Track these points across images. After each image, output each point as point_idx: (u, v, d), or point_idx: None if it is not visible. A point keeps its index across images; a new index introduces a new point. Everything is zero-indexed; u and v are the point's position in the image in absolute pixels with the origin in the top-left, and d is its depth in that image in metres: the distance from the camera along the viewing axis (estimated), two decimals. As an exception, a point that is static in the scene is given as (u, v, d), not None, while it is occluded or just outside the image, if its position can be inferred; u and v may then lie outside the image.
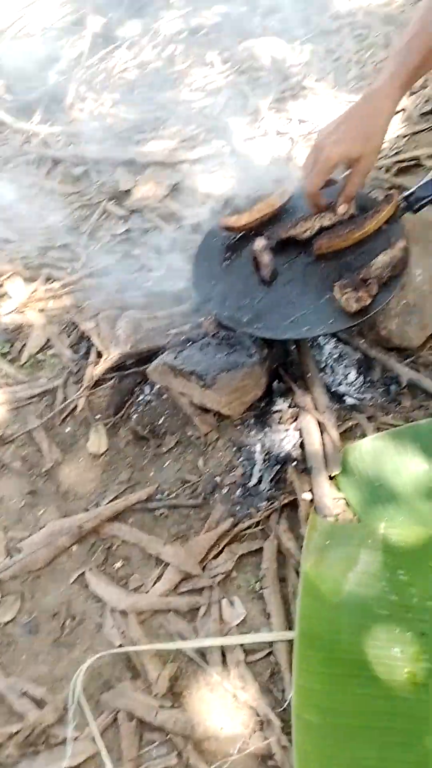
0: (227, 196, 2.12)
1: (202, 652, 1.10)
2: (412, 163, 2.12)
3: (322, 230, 1.50)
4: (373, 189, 1.97)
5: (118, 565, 1.24)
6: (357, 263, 1.47)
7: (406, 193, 1.50)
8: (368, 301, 1.36)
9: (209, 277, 1.56)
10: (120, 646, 1.12)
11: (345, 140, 1.34)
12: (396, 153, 2.17)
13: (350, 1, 2.97)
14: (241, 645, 1.09)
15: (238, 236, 1.63)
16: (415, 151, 2.18)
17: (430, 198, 1.49)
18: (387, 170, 2.08)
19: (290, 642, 1.09)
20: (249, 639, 1.09)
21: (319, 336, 1.48)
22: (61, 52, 2.99)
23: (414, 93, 2.42)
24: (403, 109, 2.32)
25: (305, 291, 1.47)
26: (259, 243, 1.57)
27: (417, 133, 2.26)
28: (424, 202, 1.49)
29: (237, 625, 1.12)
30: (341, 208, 1.44)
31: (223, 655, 1.09)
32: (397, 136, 2.26)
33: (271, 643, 1.09)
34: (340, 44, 2.79)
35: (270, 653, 1.09)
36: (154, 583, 1.20)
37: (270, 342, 1.42)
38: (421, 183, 1.60)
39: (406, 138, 2.25)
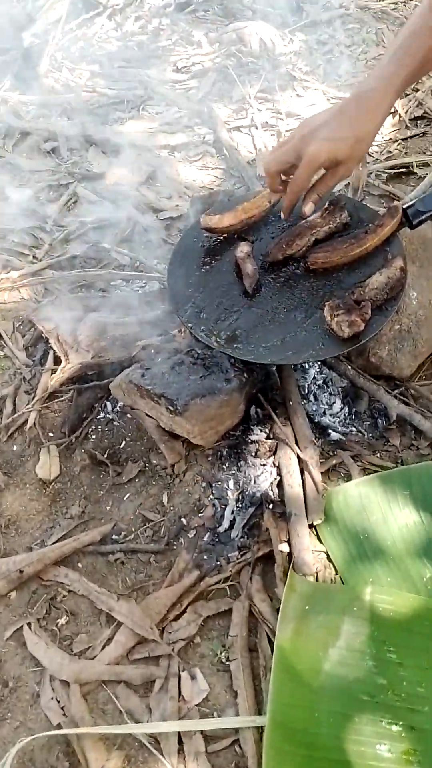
0: (209, 189, 1.85)
1: (155, 737, 0.89)
2: (403, 170, 1.90)
3: (317, 242, 1.26)
4: (364, 197, 1.74)
5: (63, 621, 1.00)
6: (350, 281, 1.25)
7: (405, 206, 1.28)
8: (361, 327, 1.13)
9: (185, 284, 1.30)
10: (59, 726, 0.89)
11: (335, 139, 1.10)
12: (387, 158, 1.94)
13: (344, -8, 2.69)
14: (202, 731, 0.88)
15: (220, 238, 1.38)
16: (406, 158, 1.94)
17: (430, 213, 1.27)
18: (377, 176, 1.86)
19: (260, 729, 0.88)
20: (211, 724, 0.88)
21: (305, 362, 1.26)
22: (38, 13, 2.61)
23: (406, 96, 2.19)
24: (395, 112, 2.09)
25: (292, 308, 1.23)
26: (243, 249, 1.32)
27: (408, 138, 2.03)
28: (423, 218, 1.27)
29: (198, 704, 0.91)
30: (308, 208, 1.19)
31: (181, 742, 0.88)
32: (388, 140, 2.03)
33: (237, 730, 0.88)
34: (332, 36, 2.52)
35: (235, 742, 0.87)
36: (104, 646, 0.96)
37: (251, 365, 1.19)
38: (423, 196, 1.37)
39: (397, 143, 2.02)
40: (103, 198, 1.80)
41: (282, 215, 1.24)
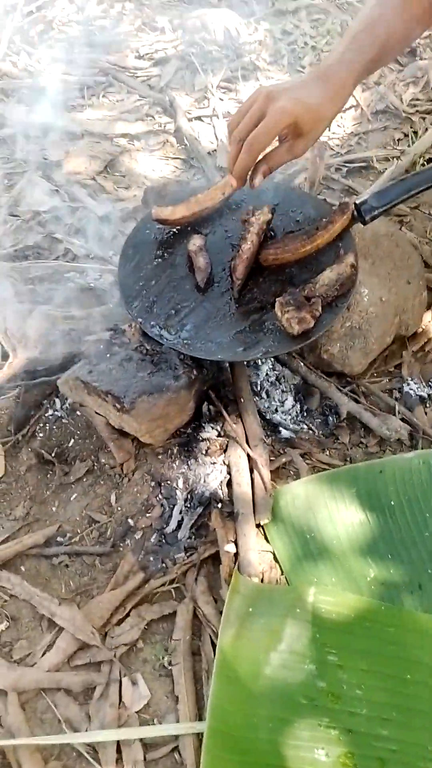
0: (166, 180, 1.78)
1: (93, 746, 0.84)
2: (363, 164, 1.85)
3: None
4: (321, 191, 1.69)
5: (2, 626, 0.94)
6: (302, 277, 1.20)
7: (358, 201, 1.23)
8: (311, 324, 1.09)
9: (137, 277, 1.24)
10: (-6, 737, 0.85)
11: (303, 103, 1.03)
12: (347, 152, 1.89)
13: (310, -18, 2.61)
14: (141, 739, 0.84)
15: (173, 230, 1.32)
16: (366, 152, 1.90)
17: (384, 208, 1.23)
18: (337, 170, 1.81)
19: (200, 736, 0.85)
20: (150, 732, 0.84)
21: (255, 360, 1.21)
22: (-4, -6, 2.46)
23: (368, 89, 2.13)
24: (357, 105, 2.03)
25: (243, 303, 1.19)
26: (196, 242, 1.26)
27: (369, 132, 1.98)
28: (376, 213, 1.22)
29: (138, 711, 0.87)
30: (257, 180, 1.11)
31: (119, 750, 0.84)
32: (349, 134, 1.98)
33: (177, 737, 0.85)
34: (297, 26, 2.44)
35: (175, 749, 0.84)
36: (44, 652, 0.91)
37: (201, 361, 1.14)
38: (376, 190, 1.33)
39: (358, 137, 1.97)
40: (58, 187, 1.72)
41: (232, 182, 1.15)
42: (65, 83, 2.12)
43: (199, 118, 1.99)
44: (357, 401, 1.20)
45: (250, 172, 1.12)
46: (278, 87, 1.07)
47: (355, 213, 1.21)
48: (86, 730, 0.84)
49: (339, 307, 1.12)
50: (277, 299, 1.11)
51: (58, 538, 1.03)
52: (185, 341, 1.12)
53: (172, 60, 2.21)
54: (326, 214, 1.25)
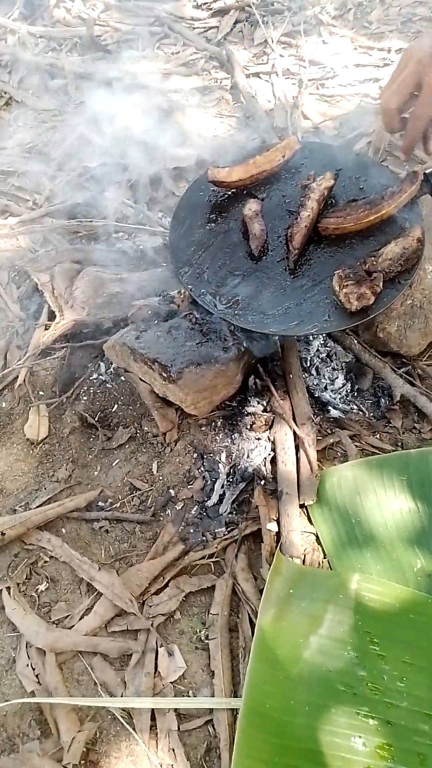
0: (222, 139, 1.69)
1: (128, 712, 0.84)
2: None
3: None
4: (385, 158, 1.58)
5: (42, 587, 0.94)
6: (362, 250, 1.12)
7: (427, 171, 1.14)
8: (371, 300, 1.02)
9: (188, 241, 1.18)
10: (32, 693, 0.85)
11: None
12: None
13: None
14: (176, 709, 0.84)
15: (227, 193, 1.25)
16: (433, 116, 1.77)
17: (456, 179, 1.13)
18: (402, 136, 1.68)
19: (234, 712, 0.84)
20: (186, 703, 0.83)
21: (308, 335, 1.15)
22: None
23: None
24: None
25: (299, 275, 1.13)
26: (252, 206, 1.19)
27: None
28: (449, 184, 1.13)
29: (173, 681, 0.87)
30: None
31: (153, 718, 0.84)
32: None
33: (211, 710, 0.84)
34: (366, -23, 2.27)
35: (209, 722, 0.83)
36: (82, 616, 0.91)
37: (251, 333, 1.09)
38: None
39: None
40: (109, 142, 1.65)
41: (401, 155, 1.11)
42: (119, 32, 2.03)
43: (257, 74, 1.88)
44: (412, 384, 1.14)
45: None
46: (426, 48, 0.96)
47: (424, 183, 1.12)
48: (121, 695, 0.84)
49: (402, 284, 1.05)
50: (335, 272, 1.05)
51: (99, 503, 1.02)
52: (236, 312, 1.07)
53: (232, 11, 2.09)
54: (392, 182, 1.17)
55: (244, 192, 1.23)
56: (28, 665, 0.87)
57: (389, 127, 1.05)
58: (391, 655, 0.85)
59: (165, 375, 1.02)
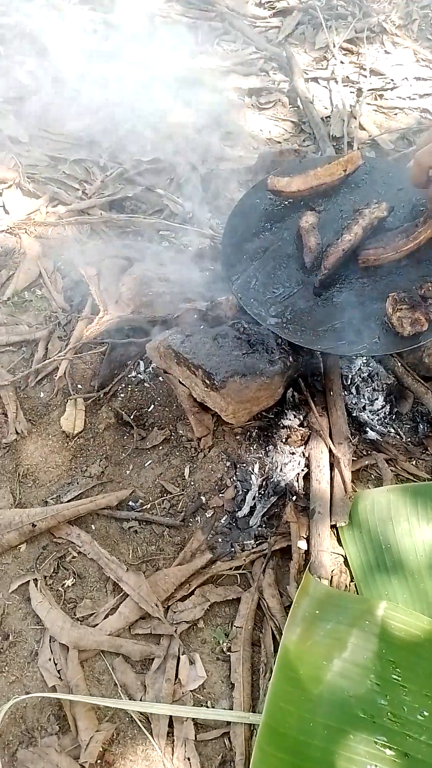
0: (276, 142, 1.68)
1: (147, 716, 0.85)
2: None
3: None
4: None
5: (69, 582, 0.95)
6: (418, 273, 1.12)
7: None
8: (425, 327, 1.02)
9: (241, 249, 1.18)
10: (53, 688, 0.86)
11: None
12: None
13: None
14: (194, 718, 0.84)
15: (284, 203, 1.24)
16: None
17: None
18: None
19: (252, 727, 0.84)
20: (205, 713, 0.84)
21: (357, 356, 1.14)
22: None
23: None
24: None
25: (351, 292, 1.12)
26: (309, 219, 1.18)
27: None
28: None
29: (193, 690, 0.87)
30: None
31: (171, 725, 0.84)
32: None
33: (228, 723, 0.84)
34: (433, -12, 2.23)
35: (225, 735, 0.83)
36: (107, 615, 0.91)
37: (297, 348, 1.08)
38: None
39: None
40: (162, 137, 1.64)
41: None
42: (180, 24, 2.02)
43: (315, 79, 1.86)
44: (452, 413, 1.13)
45: None
46: None
47: None
48: (141, 699, 0.85)
49: (456, 311, 1.04)
50: (390, 295, 1.04)
51: (130, 503, 1.03)
52: (285, 325, 1.06)
53: (295, 12, 2.06)
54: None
55: (301, 203, 1.22)
56: (50, 659, 0.88)
57: (416, 180, 1.09)
58: (412, 687, 0.85)
59: (208, 382, 1.02)
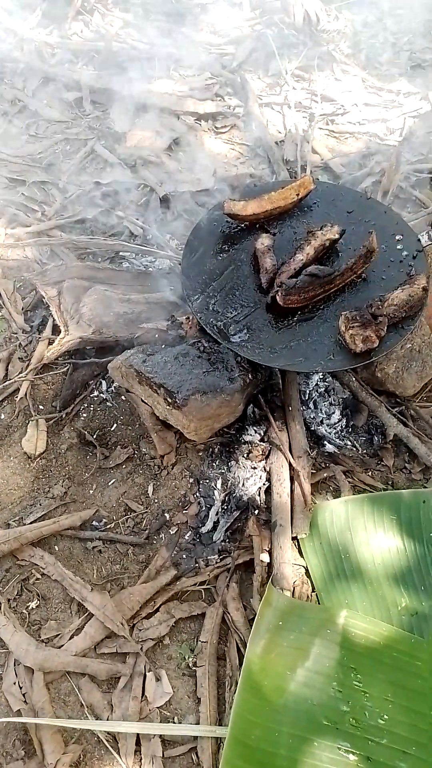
0: (232, 165, 1.74)
1: (114, 735, 0.86)
2: (433, 175, 1.81)
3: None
4: (393, 201, 1.65)
5: (33, 604, 0.96)
6: (368, 294, 1.18)
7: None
8: (375, 343, 1.08)
9: (200, 270, 1.22)
10: (18, 712, 0.86)
11: None
12: (419, 160, 1.84)
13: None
14: (161, 735, 0.86)
15: (241, 226, 1.30)
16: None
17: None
18: (406, 178, 1.75)
19: (218, 740, 0.86)
20: (171, 730, 0.86)
21: (314, 372, 1.20)
22: None
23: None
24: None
25: (306, 312, 1.18)
26: (264, 241, 1.24)
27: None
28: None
29: (160, 706, 0.89)
30: None
31: (139, 743, 0.85)
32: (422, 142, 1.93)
33: (196, 738, 0.86)
34: (379, 20, 2.37)
35: (193, 750, 0.85)
36: (72, 635, 0.93)
37: (256, 365, 1.13)
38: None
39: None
40: (121, 160, 1.69)
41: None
42: (137, 51, 2.08)
43: (269, 104, 1.95)
44: (405, 424, 1.19)
45: None
46: None
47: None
48: (108, 719, 0.86)
49: (405, 329, 1.11)
50: (342, 313, 1.10)
51: (94, 522, 1.04)
52: (244, 343, 1.11)
53: (248, 40, 2.16)
54: (399, 227, 1.24)
55: (257, 226, 1.28)
56: (15, 683, 0.88)
57: None
58: (373, 692, 0.89)
59: (170, 400, 1.05)
